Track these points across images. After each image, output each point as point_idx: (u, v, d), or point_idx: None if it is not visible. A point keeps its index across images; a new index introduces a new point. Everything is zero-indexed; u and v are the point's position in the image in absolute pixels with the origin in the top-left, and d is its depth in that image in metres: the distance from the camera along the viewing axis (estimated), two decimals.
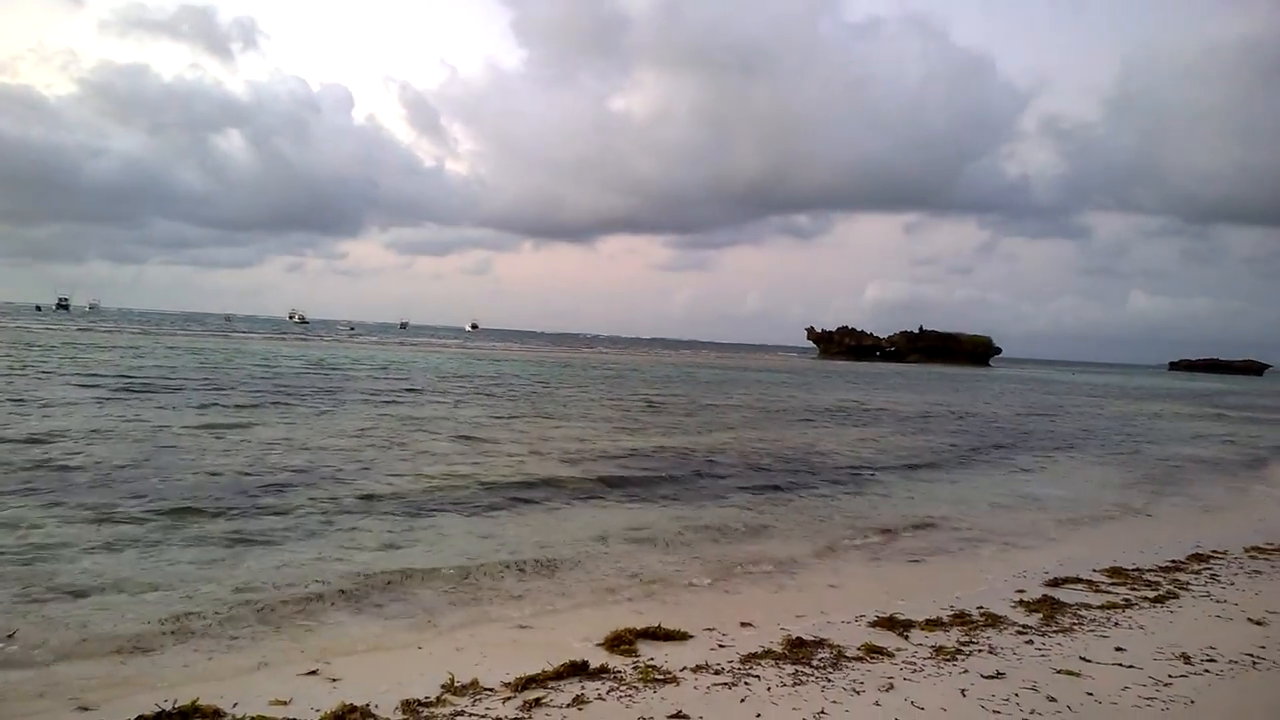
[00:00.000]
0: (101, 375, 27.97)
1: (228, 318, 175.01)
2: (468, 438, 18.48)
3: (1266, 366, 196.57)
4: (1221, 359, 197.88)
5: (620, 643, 6.32)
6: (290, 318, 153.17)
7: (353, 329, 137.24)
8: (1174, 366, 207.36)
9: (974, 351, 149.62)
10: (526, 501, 12.19)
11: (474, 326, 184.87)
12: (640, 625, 6.69)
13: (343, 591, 7.62)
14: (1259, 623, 7.40)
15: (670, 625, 6.75)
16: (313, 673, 5.74)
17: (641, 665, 5.89)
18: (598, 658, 5.98)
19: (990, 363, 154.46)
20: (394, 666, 5.92)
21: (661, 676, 5.66)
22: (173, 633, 6.46)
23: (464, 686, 5.42)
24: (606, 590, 8.19)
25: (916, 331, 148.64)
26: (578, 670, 5.69)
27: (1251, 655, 6.44)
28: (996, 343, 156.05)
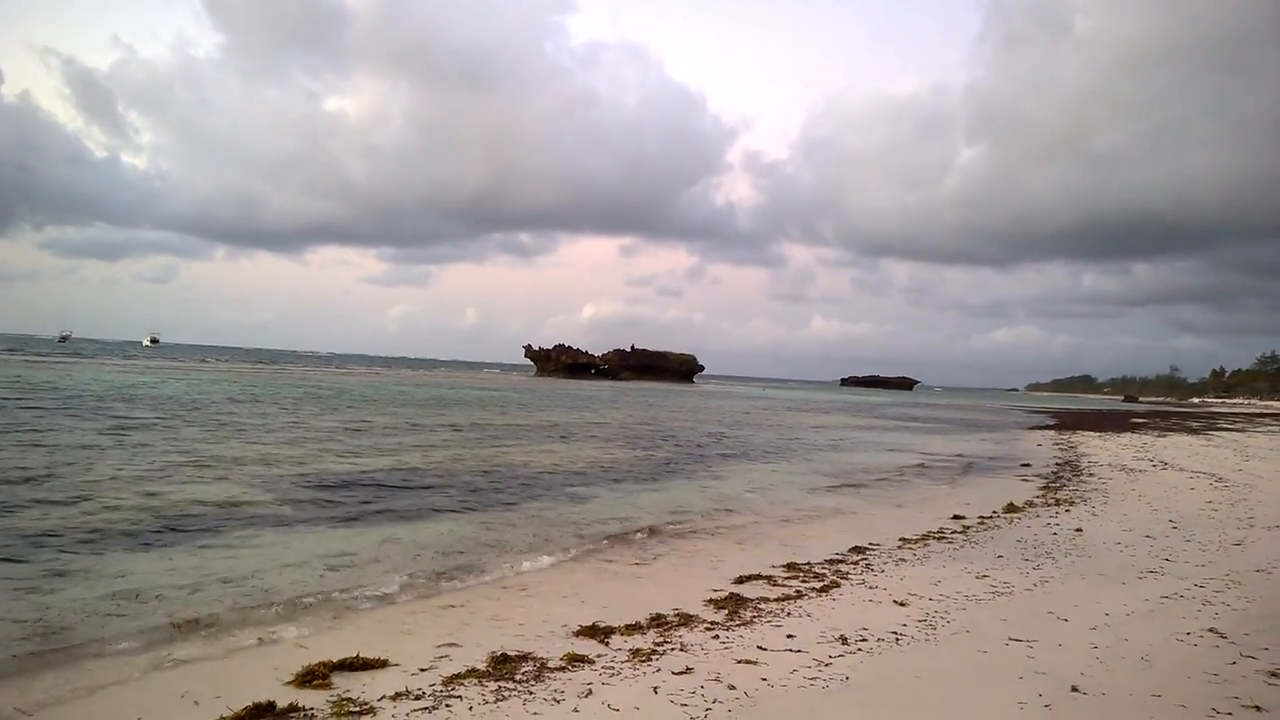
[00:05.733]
0: None
1: None
2: (140, 462, 16.44)
3: (916, 382, 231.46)
4: (881, 375, 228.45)
5: (313, 678, 5.94)
6: None
7: None
8: (845, 382, 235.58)
9: (680, 369, 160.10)
10: (214, 530, 11.07)
11: (154, 340, 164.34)
12: (337, 657, 6.34)
13: None
14: (902, 604, 8.57)
15: (370, 654, 6.47)
16: None
17: (336, 699, 5.58)
18: (286, 696, 5.57)
19: (695, 379, 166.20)
20: None
21: (358, 709, 5.40)
22: None
23: None
24: (303, 621, 7.65)
25: (629, 350, 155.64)
26: (263, 713, 5.27)
27: (895, 633, 7.44)
28: (700, 360, 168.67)
